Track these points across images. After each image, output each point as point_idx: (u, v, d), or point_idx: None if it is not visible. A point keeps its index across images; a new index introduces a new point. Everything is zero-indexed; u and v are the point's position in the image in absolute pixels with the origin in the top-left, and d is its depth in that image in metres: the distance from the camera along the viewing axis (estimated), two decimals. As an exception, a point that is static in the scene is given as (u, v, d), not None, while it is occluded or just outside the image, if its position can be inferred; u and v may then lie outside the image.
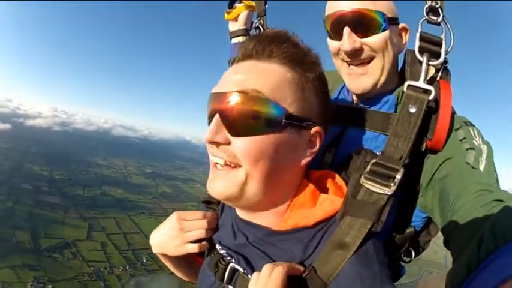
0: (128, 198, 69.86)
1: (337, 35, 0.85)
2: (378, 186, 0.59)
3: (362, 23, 0.82)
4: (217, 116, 0.56)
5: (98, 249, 48.47)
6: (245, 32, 1.25)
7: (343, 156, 0.78)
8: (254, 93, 0.55)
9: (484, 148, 0.72)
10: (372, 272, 0.53)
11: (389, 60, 0.85)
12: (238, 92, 0.55)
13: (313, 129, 0.61)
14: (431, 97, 0.68)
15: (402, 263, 0.94)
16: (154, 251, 0.82)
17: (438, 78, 0.80)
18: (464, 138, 0.73)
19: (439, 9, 0.82)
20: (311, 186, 0.63)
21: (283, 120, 0.56)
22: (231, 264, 0.66)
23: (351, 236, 0.56)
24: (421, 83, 0.72)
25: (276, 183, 0.60)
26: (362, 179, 0.60)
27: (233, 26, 1.28)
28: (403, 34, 0.92)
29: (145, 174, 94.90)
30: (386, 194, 0.58)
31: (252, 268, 0.63)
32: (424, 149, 0.75)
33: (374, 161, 0.62)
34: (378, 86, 0.86)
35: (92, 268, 43.93)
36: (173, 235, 0.76)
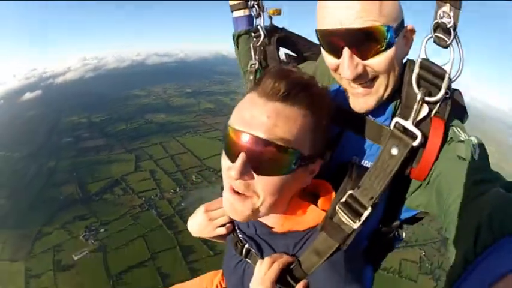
0: (171, 121, 75.72)
1: (334, 53, 0.84)
2: (346, 218, 0.78)
3: (365, 43, 0.79)
4: (243, 156, 0.72)
5: (147, 178, 51.04)
6: (245, 4, 1.43)
7: (341, 156, 0.97)
8: (281, 143, 0.71)
9: (473, 138, 0.78)
10: (338, 274, 0.81)
11: (394, 76, 0.86)
12: (268, 140, 0.71)
13: (317, 162, 0.84)
14: (416, 143, 0.75)
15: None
16: (193, 235, 1.13)
17: (433, 113, 0.78)
18: (451, 138, 0.79)
19: (451, 29, 0.75)
20: (303, 202, 0.88)
21: (300, 163, 0.76)
22: (246, 246, 1.00)
23: (323, 248, 0.81)
24: (409, 125, 0.76)
25: (281, 204, 0.85)
26: (337, 207, 0.80)
27: None
28: (409, 35, 0.88)
29: (186, 95, 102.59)
30: (351, 227, 0.77)
31: (261, 251, 0.95)
32: (408, 173, 0.83)
33: (350, 192, 0.79)
34: (382, 101, 0.90)
35: (143, 198, 46.38)
36: (204, 225, 1.08)
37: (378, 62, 0.81)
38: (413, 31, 0.87)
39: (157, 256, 40.42)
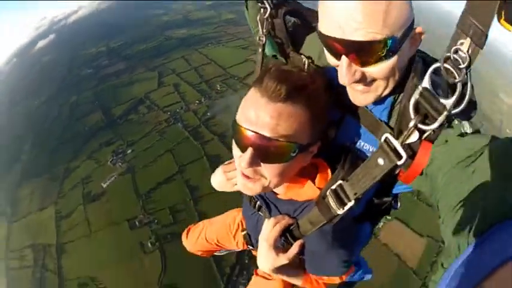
0: (193, 34, 76.27)
1: (334, 55, 0.87)
2: (333, 204, 0.91)
3: (365, 53, 0.81)
4: (251, 150, 0.88)
5: (171, 92, 52.06)
6: None
7: (342, 138, 1.09)
8: (283, 139, 0.86)
9: (464, 123, 0.82)
10: (326, 241, 1.03)
11: (395, 78, 0.89)
12: (271, 137, 0.86)
13: (316, 145, 0.98)
14: (400, 163, 0.78)
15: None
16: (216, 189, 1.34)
17: (423, 137, 0.78)
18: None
19: (463, 68, 0.68)
20: (303, 178, 1.05)
21: (300, 152, 0.92)
22: (258, 203, 1.23)
23: (315, 220, 0.99)
24: (397, 145, 0.77)
25: (286, 180, 1.03)
26: (328, 192, 0.93)
27: None
28: (417, 37, 0.88)
29: (206, 8, 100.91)
30: (336, 212, 0.92)
31: (269, 209, 1.18)
32: (397, 173, 0.91)
33: (340, 183, 0.90)
34: (382, 96, 0.95)
35: (168, 113, 47.58)
36: (223, 183, 1.27)
37: (378, 70, 0.84)
38: (421, 33, 0.87)
39: (185, 169, 40.58)
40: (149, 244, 34.48)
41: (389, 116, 0.97)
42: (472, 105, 0.88)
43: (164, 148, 43.23)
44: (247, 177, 0.94)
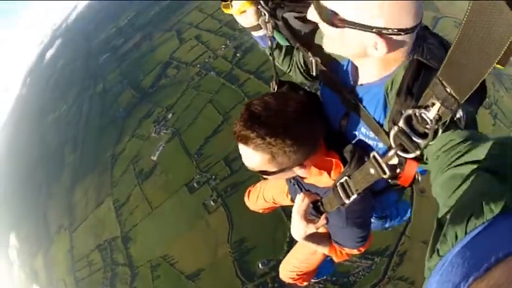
0: None
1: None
2: (341, 194, 1.32)
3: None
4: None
5: (195, 45, 55.21)
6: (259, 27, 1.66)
7: (352, 127, 1.45)
8: (263, 171, 1.44)
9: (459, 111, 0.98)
10: (341, 218, 1.53)
11: (339, 50, 1.27)
12: (251, 168, 1.43)
13: (309, 158, 1.43)
14: (385, 176, 1.08)
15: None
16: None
17: (408, 157, 1.03)
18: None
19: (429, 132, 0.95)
20: (319, 170, 1.47)
21: (274, 174, 1.47)
22: (292, 180, 1.79)
23: (332, 203, 1.47)
24: (382, 162, 1.07)
25: (305, 171, 1.52)
26: (337, 183, 1.35)
27: (244, 22, 1.67)
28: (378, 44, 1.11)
29: None
30: (344, 201, 1.34)
31: (300, 187, 1.73)
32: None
33: (345, 178, 1.31)
34: (372, 83, 1.29)
35: (198, 66, 50.95)
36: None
37: (321, 26, 1.17)
38: (380, 43, 1.10)
39: (229, 115, 43.69)
40: (211, 202, 38.72)
41: (385, 102, 1.21)
42: (483, 93, 1.15)
43: (204, 101, 46.78)
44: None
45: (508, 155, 0.70)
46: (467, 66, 0.72)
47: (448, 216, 0.66)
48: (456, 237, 0.57)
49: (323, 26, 1.14)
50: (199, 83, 49.49)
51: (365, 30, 1.03)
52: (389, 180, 1.40)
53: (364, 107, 1.30)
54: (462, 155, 0.83)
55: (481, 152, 0.78)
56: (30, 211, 67.56)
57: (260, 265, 34.32)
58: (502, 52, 0.63)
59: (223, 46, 53.11)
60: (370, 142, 1.40)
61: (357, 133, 1.44)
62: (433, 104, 0.87)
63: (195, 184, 40.96)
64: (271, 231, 34.47)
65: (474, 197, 0.65)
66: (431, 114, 0.88)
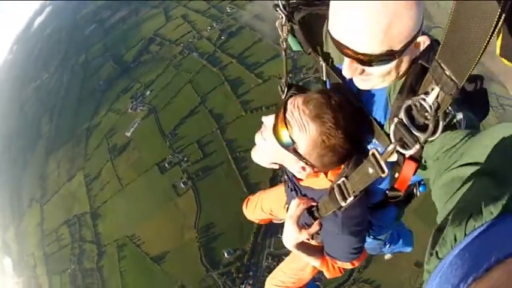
0: None
1: (338, 49, 1.09)
2: (338, 197, 1.26)
3: (363, 61, 1.04)
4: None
5: (180, 24, 55.01)
6: None
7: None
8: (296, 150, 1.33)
9: (458, 114, 0.98)
10: (336, 224, 1.42)
11: (393, 78, 1.13)
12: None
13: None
14: (384, 175, 1.04)
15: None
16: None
17: (408, 155, 1.03)
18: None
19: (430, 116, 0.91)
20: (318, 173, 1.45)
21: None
22: (289, 184, 1.72)
23: (327, 206, 1.39)
24: (381, 160, 1.03)
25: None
26: (334, 185, 1.29)
27: None
28: (422, 43, 1.05)
29: None
30: (340, 204, 1.28)
31: (296, 191, 1.65)
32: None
33: (343, 180, 1.25)
34: (380, 87, 1.21)
35: (181, 45, 50.91)
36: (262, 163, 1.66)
37: (375, 70, 1.08)
38: (424, 42, 1.05)
39: (207, 98, 43.91)
40: (181, 184, 38.70)
41: (387, 104, 1.22)
42: (486, 106, 1.16)
43: (183, 81, 46.85)
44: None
45: (508, 156, 0.69)
46: (464, 43, 0.71)
47: (447, 219, 0.65)
48: (455, 239, 0.57)
49: (376, 69, 1.09)
50: (181, 62, 49.40)
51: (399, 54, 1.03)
52: (388, 192, 1.40)
53: (366, 109, 1.31)
54: (462, 157, 0.81)
55: (480, 154, 0.76)
56: (5, 183, 67.29)
57: (226, 254, 34.39)
58: (494, 24, 0.62)
59: (209, 27, 53.10)
60: (370, 146, 1.37)
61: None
62: (432, 89, 0.86)
63: (166, 164, 40.95)
64: (240, 220, 33.88)
65: (473, 199, 0.64)
66: (430, 99, 0.87)
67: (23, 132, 68.41)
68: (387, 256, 2.88)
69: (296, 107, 1.27)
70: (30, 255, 49.04)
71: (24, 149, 63.56)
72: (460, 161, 0.81)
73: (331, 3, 1.05)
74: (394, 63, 1.05)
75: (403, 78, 1.12)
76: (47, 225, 48.42)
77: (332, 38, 1.06)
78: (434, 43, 1.10)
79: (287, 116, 1.28)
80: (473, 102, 1.11)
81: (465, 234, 0.55)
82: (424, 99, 0.89)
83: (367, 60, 1.02)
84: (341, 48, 1.04)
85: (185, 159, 40.45)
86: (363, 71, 1.10)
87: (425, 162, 1.04)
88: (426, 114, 0.90)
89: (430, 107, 0.88)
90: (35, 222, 50.34)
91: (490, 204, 0.55)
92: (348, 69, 1.10)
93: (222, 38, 50.12)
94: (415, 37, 0.99)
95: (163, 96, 46.85)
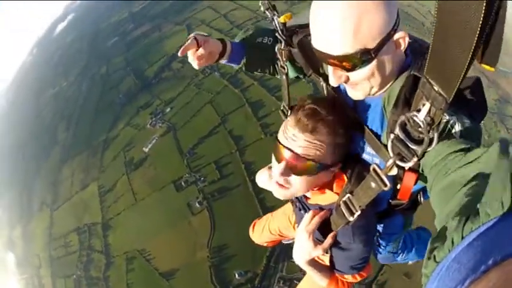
0: None
1: (322, 61, 1.21)
2: (345, 212, 1.28)
3: (342, 65, 1.10)
4: (285, 163, 1.34)
5: None
6: None
7: (354, 144, 1.46)
8: (310, 158, 1.30)
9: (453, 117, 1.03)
10: (347, 235, 1.45)
11: (379, 81, 1.16)
12: (302, 156, 1.31)
13: (337, 165, 1.41)
14: (386, 189, 1.06)
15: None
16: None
17: (407, 167, 1.03)
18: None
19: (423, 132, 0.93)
20: (320, 188, 1.51)
21: (322, 170, 1.36)
22: (297, 203, 1.73)
23: (336, 222, 1.40)
24: (382, 174, 1.05)
25: (310, 189, 1.50)
26: (340, 202, 1.30)
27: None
28: (401, 41, 1.10)
29: None
30: (348, 219, 1.29)
31: (304, 209, 1.65)
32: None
33: (348, 196, 1.27)
34: (372, 94, 1.24)
35: None
36: (266, 181, 1.87)
37: (358, 74, 1.13)
38: (404, 38, 1.09)
39: (227, 119, 43.98)
40: (197, 204, 38.24)
41: (383, 114, 1.26)
42: (484, 104, 1.17)
43: (204, 101, 46.79)
44: (279, 186, 1.40)
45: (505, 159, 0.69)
46: (448, 57, 0.73)
47: (444, 222, 0.66)
48: (452, 242, 0.57)
49: (358, 73, 1.14)
50: (203, 81, 49.58)
51: (386, 42, 1.08)
52: (391, 200, 1.44)
53: (364, 122, 1.34)
54: (459, 162, 0.84)
55: (478, 158, 0.78)
56: (16, 181, 67.31)
57: (237, 275, 33.78)
58: (477, 34, 0.63)
59: None
60: (367, 157, 1.42)
61: (357, 147, 1.46)
62: (424, 105, 0.89)
63: (182, 183, 40.63)
64: (253, 242, 34.15)
65: (470, 202, 0.66)
66: (421, 115, 0.89)
67: (38, 137, 68.95)
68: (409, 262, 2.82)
69: (295, 136, 1.33)
70: (35, 255, 49.06)
71: (39, 153, 63.94)
72: (458, 165, 0.82)
73: (310, 17, 1.12)
74: (374, 64, 1.09)
75: (398, 91, 1.12)
76: (56, 230, 48.31)
77: (315, 50, 1.14)
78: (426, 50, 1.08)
79: (301, 152, 1.31)
80: (470, 104, 1.11)
81: (462, 237, 0.55)
82: (416, 116, 0.91)
83: (347, 65, 1.09)
84: (322, 57, 1.12)
85: (202, 179, 40.10)
86: (348, 78, 1.17)
87: (422, 171, 1.06)
88: (420, 129, 0.92)
89: (422, 122, 0.90)
90: (44, 226, 50.32)
91: (487, 206, 0.55)
92: (333, 76, 1.17)
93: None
94: (389, 35, 1.04)
95: (183, 115, 47.07)
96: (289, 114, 1.71)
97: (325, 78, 1.48)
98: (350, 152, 1.50)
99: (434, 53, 0.77)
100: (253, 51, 1.75)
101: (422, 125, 0.90)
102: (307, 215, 1.54)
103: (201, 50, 1.53)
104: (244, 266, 33.56)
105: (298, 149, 1.32)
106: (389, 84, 1.22)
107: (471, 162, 0.80)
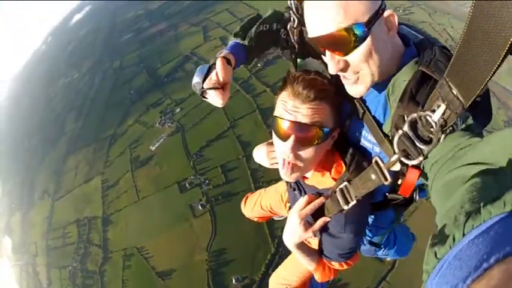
0: None
1: (322, 53, 1.20)
2: (340, 200, 1.31)
3: (339, 44, 1.10)
4: (294, 137, 1.31)
5: (218, 46, 54.02)
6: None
7: (354, 128, 1.45)
8: (318, 125, 1.30)
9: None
10: (339, 224, 1.45)
11: (377, 63, 1.14)
12: (309, 124, 1.30)
13: (337, 131, 1.42)
14: (386, 183, 1.07)
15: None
16: (255, 161, 1.93)
17: (411, 164, 1.03)
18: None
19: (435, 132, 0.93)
20: (321, 167, 1.49)
21: (328, 136, 1.35)
22: (293, 185, 1.69)
23: (329, 208, 1.41)
24: (384, 168, 1.07)
25: (314, 165, 1.46)
26: (336, 189, 1.34)
27: None
28: (391, 19, 1.12)
29: None
30: (342, 207, 1.32)
31: (300, 190, 1.65)
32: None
33: (345, 184, 1.30)
34: (374, 84, 1.22)
35: None
36: (264, 159, 1.87)
37: (355, 57, 1.11)
38: (393, 16, 1.11)
39: (237, 124, 43.79)
40: (199, 206, 37.97)
41: (385, 108, 1.24)
42: (489, 114, 1.15)
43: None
44: (289, 165, 1.38)
45: (509, 156, 0.71)
46: (473, 65, 0.72)
47: (446, 219, 0.66)
48: (454, 239, 0.57)
49: (355, 54, 1.13)
50: None
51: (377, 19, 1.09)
52: (387, 194, 1.45)
53: (367, 107, 1.32)
54: (461, 157, 0.83)
55: (480, 153, 0.78)
56: (20, 167, 67.70)
57: (234, 280, 33.39)
58: (508, 45, 0.61)
59: None
60: (367, 145, 1.40)
61: (357, 134, 1.44)
62: (439, 106, 0.88)
63: (187, 184, 40.43)
64: (253, 249, 33.83)
65: (472, 199, 0.65)
66: (436, 116, 0.89)
67: (47, 125, 69.39)
68: (386, 259, 2.65)
69: (296, 107, 1.33)
70: (32, 243, 49.10)
71: (45, 142, 64.33)
72: (461, 162, 0.82)
73: (305, 11, 1.18)
74: (369, 42, 1.08)
75: (402, 82, 1.12)
76: (56, 220, 48.38)
77: (312, 40, 1.15)
78: (437, 49, 1.13)
79: (306, 121, 1.31)
80: (476, 107, 1.07)
81: (463, 234, 0.55)
82: (431, 116, 0.91)
83: (343, 44, 1.09)
84: (318, 42, 1.14)
85: (207, 182, 39.87)
86: (346, 63, 1.15)
87: (423, 167, 1.04)
88: (432, 129, 0.92)
89: (436, 123, 0.89)
90: (44, 215, 50.42)
91: (489, 203, 0.55)
92: (331, 63, 1.15)
93: (259, 65, 49.86)
94: (378, 11, 1.07)
95: (192, 116, 46.87)
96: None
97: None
98: (348, 138, 1.50)
99: (459, 57, 0.75)
100: (253, 47, 1.72)
101: (435, 126, 0.90)
102: (303, 199, 1.53)
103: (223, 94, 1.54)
104: (242, 271, 33.16)
105: (303, 119, 1.31)
106: (392, 74, 1.19)
107: (473, 159, 0.79)
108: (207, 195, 39.02)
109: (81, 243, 42.91)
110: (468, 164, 0.78)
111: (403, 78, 1.13)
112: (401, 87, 1.11)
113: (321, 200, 1.51)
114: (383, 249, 2.29)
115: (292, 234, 1.56)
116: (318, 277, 1.75)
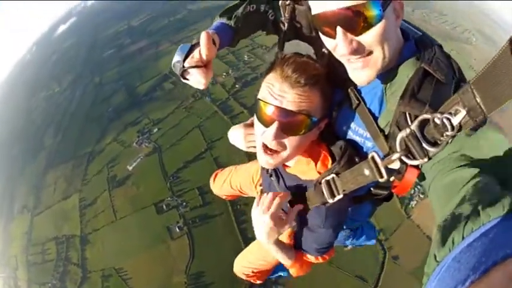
0: (217, 5, 74.40)
1: (330, 34, 1.05)
2: (326, 193, 1.24)
3: (354, 20, 0.98)
4: (277, 124, 1.19)
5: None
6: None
7: (341, 122, 1.36)
8: (304, 113, 1.19)
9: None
10: (319, 216, 1.39)
11: (389, 48, 1.06)
12: (295, 111, 1.18)
13: (324, 121, 1.31)
14: (381, 180, 1.02)
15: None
16: (230, 142, 1.79)
17: (412, 164, 0.97)
18: None
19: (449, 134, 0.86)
20: (307, 158, 1.39)
21: (315, 125, 1.25)
22: (270, 171, 1.57)
23: (312, 200, 1.36)
24: (381, 165, 1.01)
25: (299, 153, 1.36)
26: (323, 180, 1.26)
27: None
28: (399, 8, 1.06)
29: None
30: (327, 200, 1.25)
31: (278, 177, 1.56)
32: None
33: (333, 176, 1.23)
34: (382, 71, 1.12)
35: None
36: (240, 141, 1.69)
37: (370, 36, 1.01)
38: (401, 4, 1.06)
39: (214, 145, 43.54)
40: (177, 229, 37.39)
41: (382, 101, 1.19)
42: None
43: (192, 124, 46.53)
44: (269, 151, 1.28)
45: (508, 159, 0.71)
46: (507, 77, 0.70)
47: (445, 222, 0.66)
48: (453, 242, 0.57)
49: (371, 33, 1.02)
50: (192, 104, 49.71)
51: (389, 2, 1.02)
52: (372, 189, 1.43)
53: (362, 98, 1.26)
54: (462, 160, 0.84)
55: (480, 156, 0.79)
56: (0, 177, 66.67)
57: None
58: None
59: (224, 73, 53.66)
60: (356, 138, 1.33)
61: (345, 126, 1.37)
62: (457, 111, 0.84)
63: (164, 206, 39.94)
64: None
65: (471, 201, 0.65)
66: (455, 121, 0.84)
67: (27, 137, 68.43)
68: (349, 247, 2.81)
69: (283, 91, 1.22)
70: (13, 256, 48.02)
71: (25, 155, 63.26)
72: (461, 163, 0.83)
73: None
74: (384, 23, 1.00)
75: (400, 77, 1.10)
76: (35, 235, 47.51)
77: (320, 16, 1.04)
78: (436, 48, 1.12)
79: (293, 108, 1.20)
80: None
81: (463, 237, 0.55)
82: (449, 119, 0.86)
83: (358, 24, 0.99)
84: (329, 18, 1.02)
85: (184, 204, 39.46)
86: (359, 44, 1.04)
87: (421, 166, 1.02)
88: (446, 132, 0.87)
89: (453, 127, 0.85)
90: (23, 230, 49.51)
91: (488, 206, 0.56)
92: (343, 42, 1.02)
93: (237, 86, 50.28)
94: None
95: (170, 136, 46.63)
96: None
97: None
98: (336, 131, 1.42)
99: (493, 67, 0.72)
100: (239, 29, 1.53)
101: (450, 130, 0.85)
102: (267, 198, 1.42)
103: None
104: (222, 294, 31.95)
105: (289, 105, 1.20)
106: (391, 66, 1.13)
107: (473, 161, 0.79)
108: (184, 217, 38.53)
109: (60, 261, 42.06)
110: (468, 167, 0.78)
111: (405, 73, 1.08)
112: (404, 82, 1.06)
113: (284, 195, 1.44)
114: (352, 238, 2.28)
115: (268, 234, 1.45)
116: (293, 272, 1.71)
